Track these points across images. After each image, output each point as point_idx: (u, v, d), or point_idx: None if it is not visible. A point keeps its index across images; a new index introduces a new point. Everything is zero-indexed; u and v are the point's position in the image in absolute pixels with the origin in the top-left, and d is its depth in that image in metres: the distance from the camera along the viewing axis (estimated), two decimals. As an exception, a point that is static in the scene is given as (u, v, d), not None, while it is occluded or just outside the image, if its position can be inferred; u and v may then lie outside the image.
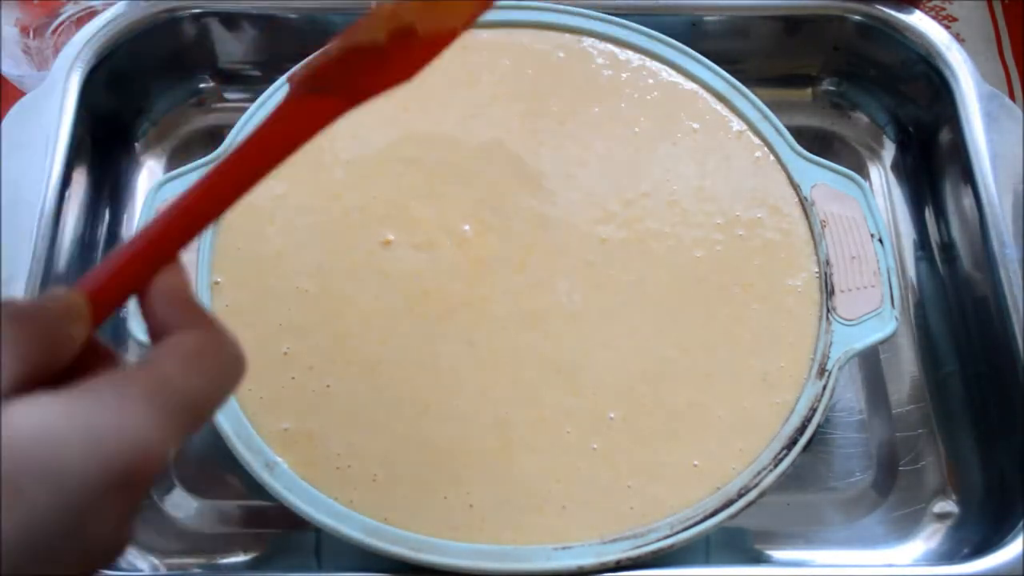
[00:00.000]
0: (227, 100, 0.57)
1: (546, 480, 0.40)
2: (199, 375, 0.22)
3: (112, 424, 0.20)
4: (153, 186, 0.45)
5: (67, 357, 0.22)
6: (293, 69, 0.26)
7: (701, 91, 0.50)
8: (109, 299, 0.23)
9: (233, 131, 0.46)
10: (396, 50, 0.24)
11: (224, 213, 0.25)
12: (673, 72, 0.50)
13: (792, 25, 0.55)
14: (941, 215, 0.53)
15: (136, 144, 0.56)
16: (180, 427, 0.21)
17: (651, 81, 0.50)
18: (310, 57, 0.26)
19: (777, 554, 0.45)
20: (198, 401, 0.22)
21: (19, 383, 0.20)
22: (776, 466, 0.40)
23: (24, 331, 0.21)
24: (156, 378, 0.21)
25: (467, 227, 0.45)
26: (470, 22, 0.26)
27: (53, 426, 0.19)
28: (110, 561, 0.22)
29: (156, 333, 0.23)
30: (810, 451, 0.43)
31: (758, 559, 0.45)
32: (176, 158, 0.55)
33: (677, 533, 0.38)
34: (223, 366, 0.23)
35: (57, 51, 0.53)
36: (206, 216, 0.24)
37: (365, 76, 0.25)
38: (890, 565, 0.45)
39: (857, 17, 0.54)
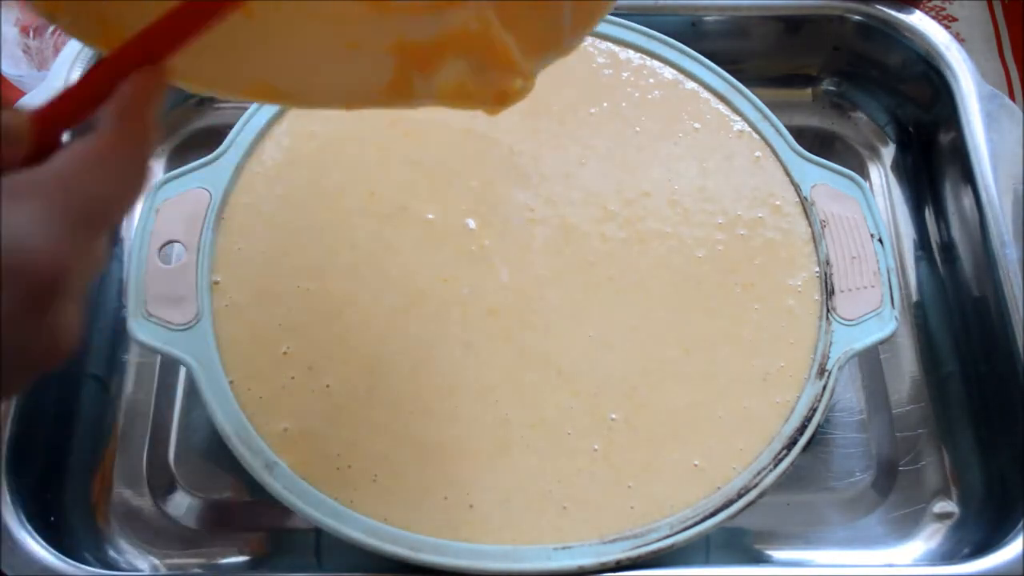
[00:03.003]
0: (227, 100, 0.57)
1: (546, 480, 0.40)
2: (99, 182, 0.22)
3: (10, 218, 0.20)
4: (153, 186, 0.45)
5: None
6: None
7: (702, 91, 0.50)
8: (68, 110, 0.23)
9: (233, 131, 0.46)
10: None
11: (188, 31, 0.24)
12: (674, 72, 0.50)
13: (792, 25, 0.55)
14: (941, 215, 0.53)
15: (136, 144, 0.55)
16: (76, 231, 0.22)
17: (652, 81, 0.50)
18: None
19: (777, 554, 0.45)
20: (95, 207, 0.22)
21: None
22: (776, 466, 0.40)
23: None
24: (54, 182, 0.21)
25: (467, 227, 0.45)
26: None
27: None
28: (49, 365, 0.22)
29: (83, 128, 0.24)
30: (810, 451, 0.43)
31: (758, 559, 0.45)
32: (176, 158, 0.55)
33: (677, 533, 0.38)
34: (124, 174, 0.23)
35: (57, 51, 0.53)
36: (166, 34, 0.24)
37: None
38: (890, 565, 0.45)
39: (857, 17, 0.54)
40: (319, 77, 0.29)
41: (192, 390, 0.47)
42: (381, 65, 0.28)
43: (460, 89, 0.29)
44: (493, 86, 0.29)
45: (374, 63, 0.28)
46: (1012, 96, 0.60)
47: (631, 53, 0.50)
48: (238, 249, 0.44)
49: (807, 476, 0.47)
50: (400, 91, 0.29)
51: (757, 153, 0.48)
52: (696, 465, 0.40)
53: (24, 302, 0.21)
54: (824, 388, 0.41)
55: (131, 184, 0.24)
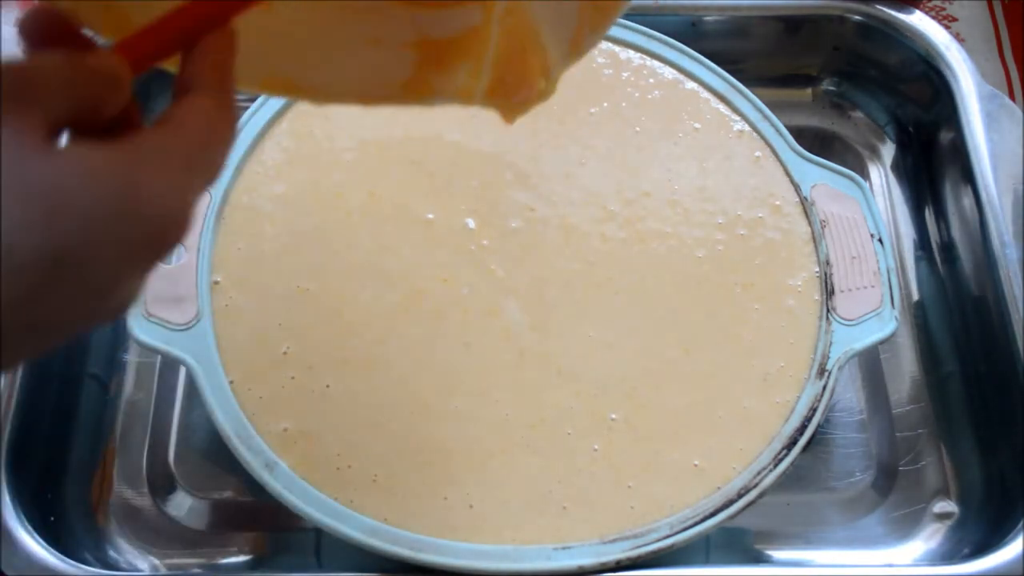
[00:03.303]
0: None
1: (546, 480, 0.40)
2: (216, 141, 0.23)
3: (153, 184, 0.20)
4: (153, 186, 0.45)
5: (106, 116, 0.22)
6: None
7: (702, 91, 0.50)
8: (148, 54, 0.23)
9: (233, 131, 0.46)
10: None
11: None
12: (674, 72, 0.50)
13: (792, 25, 0.55)
14: (941, 215, 0.53)
15: (136, 144, 0.55)
16: (202, 187, 0.23)
17: (652, 80, 0.50)
18: None
19: (777, 554, 0.45)
20: (214, 168, 0.23)
21: (63, 124, 0.20)
22: (776, 466, 0.40)
23: (74, 78, 0.21)
24: (190, 141, 0.22)
25: (467, 227, 0.45)
26: None
27: (98, 172, 0.19)
28: (119, 314, 0.23)
29: (181, 88, 0.24)
30: (810, 451, 0.43)
31: (758, 559, 0.45)
32: (176, 158, 0.55)
33: (677, 533, 0.38)
34: (232, 132, 0.24)
35: (57, 51, 0.53)
36: None
37: None
38: (890, 565, 0.45)
39: (857, 17, 0.54)
40: (338, 72, 0.28)
41: (192, 390, 0.47)
42: (400, 62, 0.28)
43: (479, 89, 0.29)
44: (514, 87, 0.29)
45: (394, 59, 0.28)
46: (1012, 96, 0.60)
47: (631, 53, 0.50)
48: (238, 249, 0.44)
49: (807, 476, 0.47)
50: (418, 89, 0.29)
51: (757, 153, 0.48)
52: (696, 465, 0.40)
53: (155, 260, 0.22)
54: (824, 388, 0.41)
55: (232, 140, 0.25)
